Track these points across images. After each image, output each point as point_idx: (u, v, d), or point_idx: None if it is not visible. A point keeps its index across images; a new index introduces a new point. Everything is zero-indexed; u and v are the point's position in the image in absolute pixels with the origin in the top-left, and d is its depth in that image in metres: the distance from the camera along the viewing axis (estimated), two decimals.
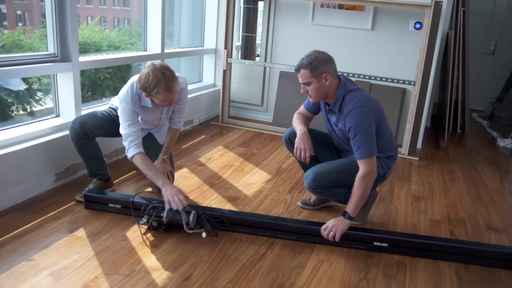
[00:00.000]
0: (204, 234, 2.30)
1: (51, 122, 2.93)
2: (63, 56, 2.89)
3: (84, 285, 1.89)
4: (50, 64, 2.80)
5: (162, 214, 2.32)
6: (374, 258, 2.29)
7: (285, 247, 2.33)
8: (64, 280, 1.91)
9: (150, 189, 2.90)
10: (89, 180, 2.77)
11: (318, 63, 2.28)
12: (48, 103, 3.17)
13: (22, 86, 3.07)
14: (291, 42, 4.67)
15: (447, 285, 2.11)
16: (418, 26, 4.17)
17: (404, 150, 4.09)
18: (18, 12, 3.03)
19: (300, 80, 2.35)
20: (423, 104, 3.98)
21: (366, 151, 2.28)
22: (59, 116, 3.04)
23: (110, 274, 1.98)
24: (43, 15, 2.87)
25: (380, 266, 2.23)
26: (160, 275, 2.00)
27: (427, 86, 3.94)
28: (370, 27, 4.35)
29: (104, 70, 3.72)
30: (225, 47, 4.49)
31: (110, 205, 2.52)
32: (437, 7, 3.73)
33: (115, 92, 3.66)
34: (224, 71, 4.59)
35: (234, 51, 4.69)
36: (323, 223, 2.36)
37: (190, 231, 2.31)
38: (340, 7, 4.40)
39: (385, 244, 2.33)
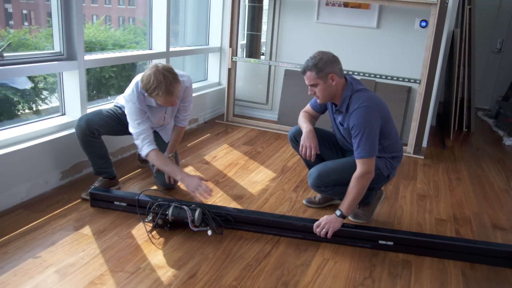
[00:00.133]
0: (209, 232, 2.30)
1: (57, 120, 2.94)
2: (69, 55, 2.90)
3: (90, 283, 1.90)
4: (56, 62, 2.81)
5: (167, 212, 2.32)
6: (379, 257, 2.29)
7: (290, 245, 2.33)
8: (70, 277, 1.92)
9: (155, 187, 2.91)
10: (95, 178, 2.78)
11: (324, 64, 2.27)
12: (54, 102, 3.19)
13: (28, 85, 3.09)
14: (296, 40, 4.67)
15: (452, 284, 2.11)
16: (423, 24, 4.15)
17: (409, 149, 4.08)
18: (24, 12, 3.04)
19: (306, 82, 2.35)
20: (428, 102, 3.97)
21: (366, 151, 2.27)
22: (65, 114, 3.06)
23: (116, 271, 1.99)
24: (49, 14, 2.88)
25: (385, 264, 2.23)
26: (166, 272, 2.01)
27: (433, 85, 3.93)
28: (375, 25, 4.34)
29: (109, 68, 3.73)
30: (230, 46, 4.49)
31: (116, 203, 2.53)
32: (443, 5, 3.71)
33: (120, 90, 3.67)
34: (229, 70, 4.59)
35: (239, 50, 4.68)
36: None
37: (196, 229, 2.31)
38: (345, 5, 4.39)
39: (390, 243, 2.33)
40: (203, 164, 3.42)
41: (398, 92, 4.31)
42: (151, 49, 3.95)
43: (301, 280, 2.04)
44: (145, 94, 2.53)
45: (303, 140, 2.50)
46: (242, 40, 5.10)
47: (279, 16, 4.68)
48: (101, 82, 3.76)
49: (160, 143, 2.90)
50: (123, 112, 2.72)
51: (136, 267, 2.03)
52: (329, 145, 2.65)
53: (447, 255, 2.31)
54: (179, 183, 2.89)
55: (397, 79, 4.04)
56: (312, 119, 2.64)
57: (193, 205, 2.37)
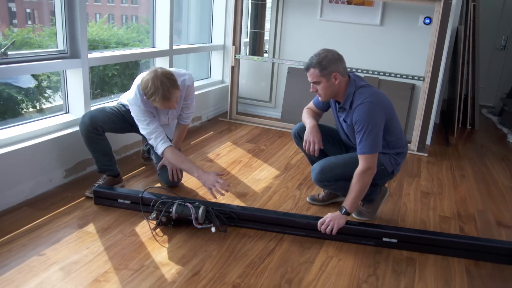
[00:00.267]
0: (213, 229, 2.31)
1: (60, 119, 2.95)
2: (72, 53, 2.91)
3: (94, 280, 1.90)
4: (60, 60, 2.82)
5: (171, 210, 2.32)
6: (383, 254, 2.29)
7: (294, 243, 2.33)
8: (74, 274, 1.93)
9: (159, 184, 2.91)
10: (99, 176, 2.78)
11: (328, 62, 2.26)
12: (57, 100, 3.19)
13: (32, 83, 3.09)
14: (300, 38, 4.66)
15: (457, 282, 2.10)
16: (427, 21, 4.13)
17: (413, 146, 4.07)
18: (28, 10, 3.05)
19: (309, 79, 2.34)
20: (432, 99, 3.95)
21: (368, 146, 2.26)
22: (68, 112, 3.06)
23: (120, 269, 1.99)
24: (52, 13, 2.88)
25: (389, 262, 2.22)
26: (169, 270, 2.01)
27: (437, 82, 3.92)
28: (379, 22, 4.32)
29: (112, 67, 3.73)
30: (233, 43, 4.48)
31: (120, 200, 2.54)
32: (447, 2, 3.70)
33: (123, 89, 3.68)
34: (232, 67, 4.59)
35: (242, 48, 4.68)
36: None
37: (199, 226, 2.31)
38: (349, 2, 4.37)
39: (394, 240, 2.32)
40: (207, 162, 3.42)
41: (401, 90, 4.30)
42: (154, 47, 3.96)
43: (305, 277, 2.04)
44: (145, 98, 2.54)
45: (306, 135, 2.50)
46: (245, 38, 5.10)
47: (282, 13, 4.68)
48: (104, 80, 3.76)
49: None
50: (127, 109, 2.72)
51: (140, 264, 2.04)
52: (333, 141, 2.65)
53: (451, 252, 2.31)
54: (185, 180, 2.89)
55: (401, 76, 4.03)
56: (316, 115, 2.63)
57: (197, 203, 2.37)
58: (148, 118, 2.59)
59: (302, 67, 4.35)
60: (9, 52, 2.54)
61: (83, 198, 2.65)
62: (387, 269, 2.16)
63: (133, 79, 2.78)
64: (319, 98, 2.43)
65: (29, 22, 3.06)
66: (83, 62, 2.92)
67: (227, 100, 4.78)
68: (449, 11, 3.73)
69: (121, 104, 2.80)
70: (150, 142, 2.61)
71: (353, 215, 2.64)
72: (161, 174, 2.89)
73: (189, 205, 2.33)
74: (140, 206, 2.46)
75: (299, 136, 2.66)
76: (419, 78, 3.95)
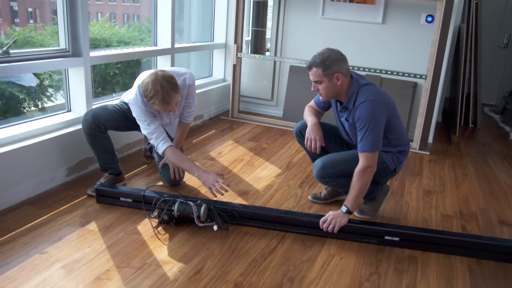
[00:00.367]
0: (215, 227, 2.31)
1: (63, 117, 2.95)
2: (74, 51, 2.91)
3: (96, 278, 1.90)
4: (62, 59, 2.82)
5: (173, 208, 2.32)
6: (385, 252, 2.28)
7: (296, 241, 2.33)
8: (76, 272, 1.93)
9: (161, 183, 2.92)
10: (101, 175, 2.79)
11: (331, 63, 2.25)
12: (59, 99, 3.20)
13: (34, 82, 3.10)
14: (301, 36, 4.65)
15: (459, 280, 2.10)
16: (429, 19, 4.12)
17: (415, 145, 4.06)
18: (30, 9, 3.05)
19: (311, 78, 2.33)
20: (434, 98, 3.95)
21: (369, 144, 2.26)
22: (70, 111, 3.07)
23: (122, 267, 1.99)
24: (54, 12, 2.88)
25: (391, 260, 2.22)
26: (171, 268, 2.01)
27: (439, 80, 3.91)
28: (381, 20, 4.32)
29: (113, 66, 3.73)
30: (235, 42, 4.48)
31: (122, 199, 2.54)
32: (449, 0, 3.69)
33: (125, 88, 3.68)
34: (234, 66, 4.58)
35: (244, 46, 4.68)
36: None
37: (201, 225, 2.32)
38: (351, 0, 4.37)
39: (396, 238, 2.32)
40: (208, 160, 3.42)
41: (403, 88, 4.29)
42: (156, 45, 3.96)
43: (307, 275, 2.04)
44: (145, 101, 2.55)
45: (308, 132, 2.50)
46: (247, 36, 5.09)
47: (284, 12, 4.67)
48: (106, 79, 3.77)
49: None
50: (129, 108, 2.72)
51: (142, 262, 2.04)
52: (334, 139, 2.64)
53: (454, 251, 2.30)
54: (187, 178, 2.89)
55: (403, 74, 4.02)
56: (317, 113, 2.63)
57: (199, 201, 2.37)
58: (148, 118, 2.59)
59: (304, 65, 4.37)
60: (11, 51, 2.54)
61: (85, 196, 2.65)
62: (389, 267, 2.16)
63: (135, 78, 2.79)
64: (320, 97, 2.43)
65: (31, 21, 3.06)
66: (85, 60, 2.93)
67: (229, 98, 4.78)
68: (451, 9, 3.72)
69: (124, 102, 2.80)
70: (151, 141, 2.62)
71: (355, 213, 2.64)
72: (163, 173, 2.89)
73: (191, 203, 2.33)
74: (142, 204, 2.46)
75: (300, 134, 2.66)
76: (421, 76, 3.94)
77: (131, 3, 4.24)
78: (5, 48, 2.51)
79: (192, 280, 1.94)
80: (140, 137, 3.49)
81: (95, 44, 3.53)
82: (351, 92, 2.33)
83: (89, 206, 2.55)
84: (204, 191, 2.86)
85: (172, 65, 3.97)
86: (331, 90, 2.33)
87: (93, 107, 3.00)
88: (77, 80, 2.97)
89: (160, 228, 2.35)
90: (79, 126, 2.79)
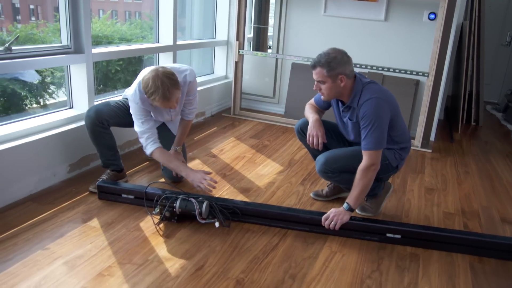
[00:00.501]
0: (217, 224, 2.31)
1: (65, 114, 2.96)
2: (76, 48, 2.91)
3: (98, 274, 1.91)
4: (64, 55, 2.82)
5: (175, 205, 2.33)
6: (386, 250, 2.28)
7: (298, 238, 2.33)
8: (78, 269, 1.93)
9: (163, 180, 2.92)
10: (103, 171, 2.79)
11: (336, 64, 2.25)
12: (61, 96, 3.20)
13: (36, 79, 3.10)
14: (303, 33, 4.64)
15: (461, 278, 2.10)
16: (432, 16, 4.11)
17: (417, 142, 4.06)
18: (31, 7, 3.05)
19: (314, 77, 2.33)
20: (436, 95, 3.94)
21: (373, 143, 2.26)
22: (72, 107, 3.07)
23: (124, 263, 2.00)
24: (56, 9, 2.88)
25: (393, 257, 2.22)
26: (173, 265, 2.02)
27: (441, 78, 3.90)
28: (383, 18, 4.30)
29: (115, 63, 3.73)
30: (237, 39, 4.47)
31: (123, 195, 2.54)
32: None
33: (126, 85, 3.67)
34: (236, 63, 4.58)
35: (246, 43, 4.67)
36: None
37: (203, 221, 2.32)
38: None
39: (398, 236, 2.32)
40: (210, 157, 3.42)
41: (406, 85, 4.28)
42: (158, 42, 3.95)
43: (308, 272, 2.04)
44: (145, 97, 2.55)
45: (309, 129, 2.50)
46: (249, 34, 5.09)
47: (286, 9, 4.66)
48: (108, 76, 3.77)
49: (168, 135, 2.91)
50: None
51: (143, 259, 2.04)
52: (336, 137, 2.64)
53: (455, 248, 2.30)
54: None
55: (405, 72, 4.01)
56: (318, 111, 2.63)
57: (201, 198, 2.38)
58: (143, 117, 2.60)
59: (306, 62, 4.36)
60: (13, 47, 2.54)
61: (87, 193, 2.66)
62: (391, 264, 2.16)
63: (136, 75, 2.78)
64: (322, 97, 2.42)
65: (33, 18, 3.06)
66: (87, 57, 2.93)
67: (231, 95, 4.78)
68: (454, 6, 3.71)
69: (126, 99, 2.80)
70: (141, 140, 2.63)
71: (357, 210, 2.63)
72: (164, 170, 2.89)
73: (192, 200, 2.33)
74: (144, 201, 2.46)
75: (302, 131, 2.65)
76: (423, 74, 3.93)
77: (133, 1, 4.24)
78: (7, 45, 2.51)
79: (193, 276, 1.94)
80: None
81: (97, 42, 3.53)
82: (355, 91, 2.32)
83: (91, 202, 2.55)
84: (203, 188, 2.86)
85: (174, 62, 3.97)
86: (333, 90, 2.32)
87: (95, 103, 3.00)
88: (79, 77, 2.98)
89: (162, 225, 2.35)
90: (81, 123, 2.80)
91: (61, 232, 2.21)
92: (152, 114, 2.73)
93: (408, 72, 3.99)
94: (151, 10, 3.95)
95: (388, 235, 2.33)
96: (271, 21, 4.95)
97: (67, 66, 2.97)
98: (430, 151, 4.02)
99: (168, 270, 1.97)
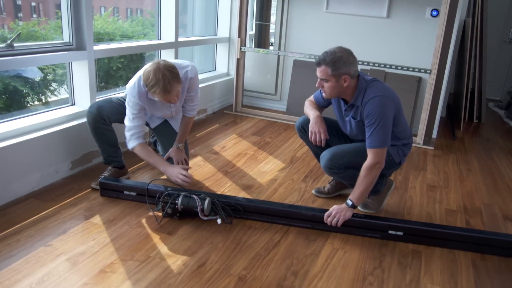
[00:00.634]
0: (219, 221, 2.31)
1: (67, 111, 2.96)
2: (78, 45, 2.90)
3: (100, 271, 1.91)
4: (66, 52, 2.82)
5: (177, 201, 2.33)
6: (388, 247, 2.28)
7: (300, 235, 2.33)
8: (80, 265, 1.94)
9: (165, 176, 2.92)
10: (104, 168, 2.79)
11: (342, 64, 2.23)
12: (62, 94, 3.20)
13: (38, 76, 3.10)
14: (305, 30, 4.63)
15: (463, 275, 2.10)
16: (434, 13, 4.10)
17: (419, 139, 4.05)
18: (33, 4, 3.05)
19: (318, 74, 2.32)
20: (439, 93, 3.93)
21: (378, 141, 2.25)
22: (74, 104, 3.07)
23: (126, 260, 2.00)
24: (57, 6, 2.88)
25: (395, 254, 2.22)
26: (175, 261, 2.02)
27: (443, 75, 3.89)
28: (385, 14, 4.29)
29: (117, 60, 3.73)
30: (239, 36, 4.47)
31: (125, 192, 2.54)
32: None
33: (128, 82, 3.67)
34: (238, 60, 4.57)
35: (248, 40, 4.66)
36: None
37: (205, 218, 2.32)
38: None
39: (400, 233, 2.32)
40: (212, 154, 3.42)
41: (408, 82, 4.28)
42: (159, 39, 3.95)
43: (310, 269, 2.04)
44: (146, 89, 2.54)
45: (311, 126, 2.49)
46: (251, 31, 5.08)
47: (288, 5, 4.65)
48: (109, 73, 3.76)
49: (171, 132, 2.91)
50: None
51: (146, 255, 2.05)
52: (337, 133, 2.63)
53: (458, 245, 2.30)
54: (191, 172, 2.88)
55: (407, 69, 4.00)
56: (318, 107, 2.62)
57: (203, 195, 2.38)
58: (136, 113, 2.59)
59: (308, 59, 4.35)
60: (15, 44, 2.54)
61: (89, 189, 2.66)
62: (393, 261, 2.16)
63: None
64: (324, 94, 2.41)
65: (34, 16, 3.06)
66: (89, 54, 2.92)
67: (233, 92, 4.77)
68: (456, 3, 3.69)
69: None
70: (126, 134, 2.63)
71: (359, 207, 2.63)
72: None
73: (195, 197, 2.33)
74: (146, 198, 2.46)
75: (303, 129, 2.65)
76: (425, 71, 3.92)
77: None
78: (9, 42, 2.51)
79: (196, 273, 1.94)
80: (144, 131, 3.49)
81: (99, 39, 3.53)
82: (359, 90, 2.31)
83: (93, 199, 2.55)
84: (208, 184, 2.86)
85: (176, 58, 3.96)
86: (336, 90, 2.32)
87: (97, 100, 3.00)
88: (81, 74, 2.97)
89: (164, 222, 2.35)
90: (83, 120, 2.80)
91: (63, 229, 2.22)
92: (148, 111, 2.73)
93: (410, 69, 3.99)
94: (153, 7, 3.95)
95: (390, 232, 2.33)
96: (273, 18, 4.94)
97: (69, 63, 2.97)
98: (432, 148, 4.01)
99: (170, 266, 1.98)
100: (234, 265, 2.03)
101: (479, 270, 2.15)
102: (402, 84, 4.23)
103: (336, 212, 2.32)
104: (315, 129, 2.47)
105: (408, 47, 4.28)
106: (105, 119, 2.63)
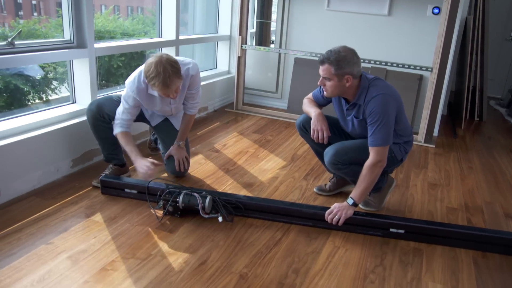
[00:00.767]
0: (220, 219, 2.31)
1: (67, 109, 2.96)
2: (79, 43, 2.90)
3: (101, 269, 1.91)
4: (66, 50, 2.81)
5: (178, 199, 2.33)
6: (390, 245, 2.28)
7: (301, 233, 2.33)
8: (82, 263, 1.94)
9: (166, 174, 2.92)
10: (105, 166, 2.79)
11: (346, 64, 2.23)
12: (63, 92, 3.20)
13: (39, 74, 3.09)
14: (306, 28, 4.63)
15: (464, 273, 2.09)
16: (436, 11, 4.09)
17: (420, 137, 4.05)
18: (33, 2, 3.04)
19: (321, 72, 2.31)
20: (440, 90, 3.92)
21: (381, 139, 2.25)
22: (75, 102, 3.07)
23: (127, 258, 2.00)
24: (58, 4, 2.87)
25: (396, 252, 2.22)
26: (176, 259, 2.02)
27: (445, 73, 3.88)
28: (387, 12, 4.28)
29: (117, 58, 3.73)
30: (240, 34, 4.46)
31: (126, 190, 2.54)
32: None
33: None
34: (239, 58, 4.57)
35: (249, 38, 4.66)
36: None
37: (206, 216, 2.32)
38: None
39: (402, 231, 2.32)
40: (213, 152, 3.42)
41: (409, 80, 4.27)
42: (160, 37, 3.94)
43: (311, 267, 2.04)
44: (146, 81, 2.53)
45: (313, 124, 2.48)
46: (252, 28, 5.07)
47: (289, 3, 4.64)
48: (110, 71, 3.76)
49: (172, 130, 2.91)
50: None
51: (147, 253, 2.05)
52: (338, 132, 2.63)
53: (459, 243, 2.30)
54: (192, 170, 2.89)
55: (409, 67, 3.99)
56: (317, 104, 2.61)
57: (204, 192, 2.37)
58: (127, 108, 2.60)
59: (309, 57, 4.35)
60: (16, 42, 2.54)
61: (90, 187, 2.66)
62: (394, 259, 2.16)
63: None
64: (325, 93, 2.40)
65: (35, 14, 3.05)
66: (90, 51, 2.92)
67: (233, 90, 4.77)
68: (458, 1, 3.68)
69: None
70: (115, 121, 2.64)
71: (360, 205, 2.63)
72: (167, 164, 2.89)
73: (196, 194, 2.33)
74: (146, 195, 2.46)
75: (304, 127, 2.64)
76: (427, 69, 3.91)
77: None
78: (10, 39, 2.50)
79: (197, 271, 1.94)
80: (145, 129, 3.49)
81: (99, 37, 3.52)
82: (362, 88, 2.31)
83: (94, 197, 2.55)
84: (209, 182, 2.86)
85: (177, 56, 3.95)
86: (338, 89, 2.31)
87: (98, 98, 2.99)
88: (82, 72, 2.97)
89: (165, 220, 2.35)
90: (84, 118, 2.79)
91: (64, 227, 2.22)
92: (147, 107, 2.73)
93: (412, 67, 3.98)
94: (153, 5, 3.94)
95: (391, 230, 2.33)
96: (273, 16, 4.93)
97: (70, 61, 2.96)
98: (434, 146, 4.01)
99: (171, 264, 1.98)
100: (235, 263, 2.03)
101: (481, 268, 2.14)
102: (403, 82, 4.22)
103: (338, 210, 2.32)
104: (317, 127, 2.46)
105: (410, 45, 4.28)
106: (105, 116, 2.62)
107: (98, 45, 3.08)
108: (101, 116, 2.62)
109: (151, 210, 2.42)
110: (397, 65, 4.03)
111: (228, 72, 5.09)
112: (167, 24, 3.90)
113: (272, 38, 5.06)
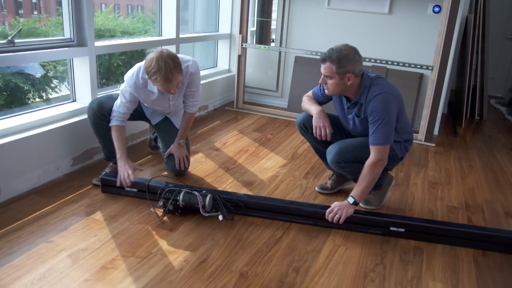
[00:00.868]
0: (220, 217, 2.31)
1: (68, 107, 2.95)
2: (79, 41, 2.90)
3: (101, 267, 1.91)
4: (67, 49, 2.81)
5: (178, 198, 2.33)
6: (390, 243, 2.28)
7: (301, 232, 2.33)
8: (82, 261, 1.94)
9: (166, 173, 2.92)
10: (106, 164, 2.79)
11: (347, 62, 2.22)
12: (63, 90, 3.20)
13: (39, 73, 3.09)
14: (307, 26, 4.62)
15: (464, 271, 2.09)
16: (437, 9, 4.08)
17: (420, 136, 4.04)
18: (34, 0, 3.04)
19: (322, 70, 2.30)
20: (440, 89, 3.92)
21: (382, 138, 2.25)
22: (75, 101, 3.07)
23: (127, 256, 2.00)
24: (58, 3, 2.87)
25: (396, 251, 2.22)
26: (177, 257, 2.02)
27: (445, 71, 3.87)
28: (387, 10, 4.28)
29: (117, 57, 3.72)
30: (240, 32, 4.46)
31: (127, 188, 2.54)
32: None
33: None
34: (239, 56, 4.56)
35: (249, 36, 4.65)
36: None
37: (206, 214, 2.32)
38: None
39: (402, 229, 2.31)
40: (213, 151, 3.42)
41: (409, 79, 4.26)
42: (161, 35, 3.94)
43: (312, 265, 2.04)
44: (146, 77, 2.52)
45: (315, 121, 2.47)
46: (252, 27, 5.07)
47: (289, 2, 4.64)
48: (110, 70, 3.76)
49: (172, 129, 2.90)
50: None
51: (147, 252, 2.04)
52: (339, 130, 2.63)
53: (459, 242, 2.30)
54: (192, 168, 2.89)
55: (409, 65, 3.99)
56: (317, 102, 2.60)
57: (204, 191, 2.37)
58: (124, 102, 2.60)
59: (309, 56, 4.34)
60: (16, 40, 2.53)
61: (91, 186, 2.66)
62: (395, 258, 2.15)
63: None
64: (326, 91, 2.40)
65: (35, 12, 3.05)
66: (90, 50, 2.92)
67: (234, 89, 4.77)
68: None
69: None
70: (112, 114, 2.63)
71: (360, 204, 2.63)
72: (168, 163, 2.89)
73: (196, 193, 2.33)
74: (147, 194, 2.46)
75: (304, 126, 2.63)
76: (427, 68, 3.91)
77: None
78: (10, 38, 2.50)
79: (197, 269, 1.94)
80: (145, 127, 3.49)
81: (100, 35, 3.52)
82: (363, 87, 2.31)
83: (95, 195, 2.55)
84: (209, 181, 2.86)
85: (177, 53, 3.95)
86: (339, 87, 2.31)
87: (98, 96, 2.99)
88: (82, 70, 2.97)
89: (165, 218, 2.35)
90: (84, 116, 2.79)
91: (65, 225, 2.22)
92: (145, 103, 2.73)
93: (412, 65, 3.97)
94: (154, 4, 3.94)
95: (391, 228, 2.32)
96: (274, 14, 4.93)
97: (70, 59, 2.96)
98: (434, 145, 4.00)
99: (171, 263, 1.98)
100: (235, 261, 2.03)
101: (481, 266, 2.14)
102: (403, 81, 4.22)
103: (338, 208, 2.32)
104: (319, 124, 2.46)
105: (410, 43, 4.27)
106: (105, 115, 2.62)
107: (98, 43, 3.07)
108: (101, 115, 2.61)
109: (151, 209, 2.42)
110: (398, 64, 4.02)
111: (229, 70, 5.08)
112: (167, 23, 3.89)
113: (273, 36, 5.05)
